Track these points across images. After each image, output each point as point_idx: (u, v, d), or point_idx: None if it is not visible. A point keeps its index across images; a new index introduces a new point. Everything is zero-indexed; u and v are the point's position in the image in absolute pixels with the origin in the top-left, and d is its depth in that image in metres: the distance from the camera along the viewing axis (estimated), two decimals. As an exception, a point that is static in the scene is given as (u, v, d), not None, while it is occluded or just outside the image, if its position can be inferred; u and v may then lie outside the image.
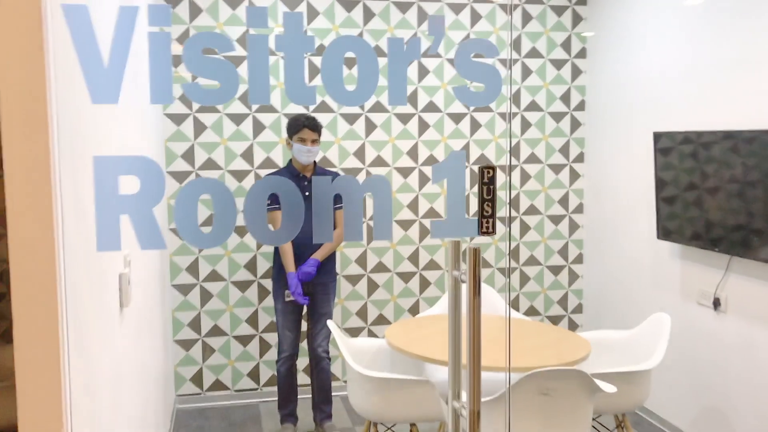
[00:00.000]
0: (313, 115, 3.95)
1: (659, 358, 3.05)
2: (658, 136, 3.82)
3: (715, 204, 3.39)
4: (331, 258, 3.87)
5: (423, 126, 4.52)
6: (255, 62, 1.44)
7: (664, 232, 3.82)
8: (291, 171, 3.77)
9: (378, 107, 4.45)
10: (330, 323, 3.21)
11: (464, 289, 1.57)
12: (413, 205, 4.55)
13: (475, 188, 1.58)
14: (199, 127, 4.25)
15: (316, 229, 1.62)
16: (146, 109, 3.53)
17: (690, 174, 3.58)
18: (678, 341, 3.78)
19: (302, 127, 3.67)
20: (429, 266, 4.61)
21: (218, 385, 4.40)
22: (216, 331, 4.36)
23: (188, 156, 4.26)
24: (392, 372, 3.27)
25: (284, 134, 4.34)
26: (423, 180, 4.57)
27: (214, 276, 4.32)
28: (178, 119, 4.23)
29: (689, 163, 3.58)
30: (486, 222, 1.55)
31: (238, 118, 4.29)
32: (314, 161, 3.80)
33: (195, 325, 4.34)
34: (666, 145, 3.76)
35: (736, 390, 3.42)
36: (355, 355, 3.17)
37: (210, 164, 4.28)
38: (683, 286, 3.82)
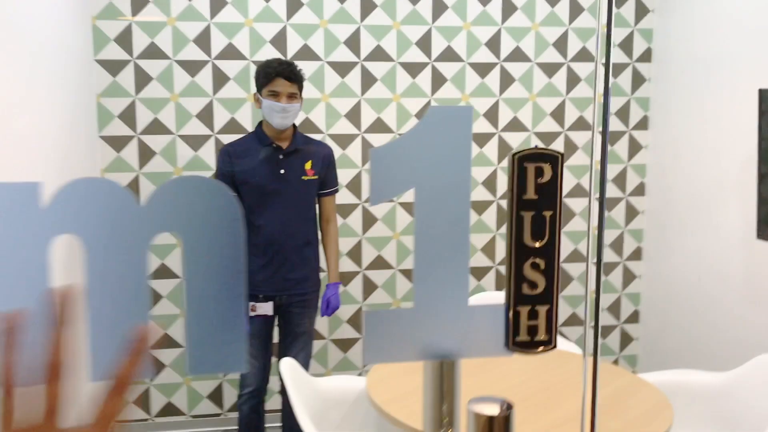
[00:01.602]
0: (290, 60, 2.88)
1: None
2: (765, 95, 2.71)
3: None
4: (312, 258, 2.86)
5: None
6: None
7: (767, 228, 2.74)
8: (260, 138, 2.74)
9: (379, 54, 3.39)
10: (285, 364, 2.18)
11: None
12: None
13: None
14: (143, 78, 3.24)
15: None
16: (59, 49, 2.50)
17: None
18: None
19: (274, 75, 2.64)
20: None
21: (170, 410, 3.47)
22: (168, 341, 3.41)
23: (128, 116, 3.25)
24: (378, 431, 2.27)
25: (254, 88, 3.31)
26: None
27: (164, 272, 3.35)
28: (113, 67, 3.21)
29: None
30: (530, 316, 0.56)
31: (192, 67, 3.27)
32: (293, 125, 2.77)
33: (140, 333, 3.38)
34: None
35: None
36: (322, 407, 2.18)
37: (156, 127, 3.27)
38: (791, 305, 2.75)
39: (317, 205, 2.87)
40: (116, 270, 0.53)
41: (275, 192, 2.70)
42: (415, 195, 0.55)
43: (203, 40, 3.25)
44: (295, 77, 2.66)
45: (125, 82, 3.22)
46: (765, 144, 2.72)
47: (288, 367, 2.13)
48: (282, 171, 2.71)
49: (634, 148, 3.69)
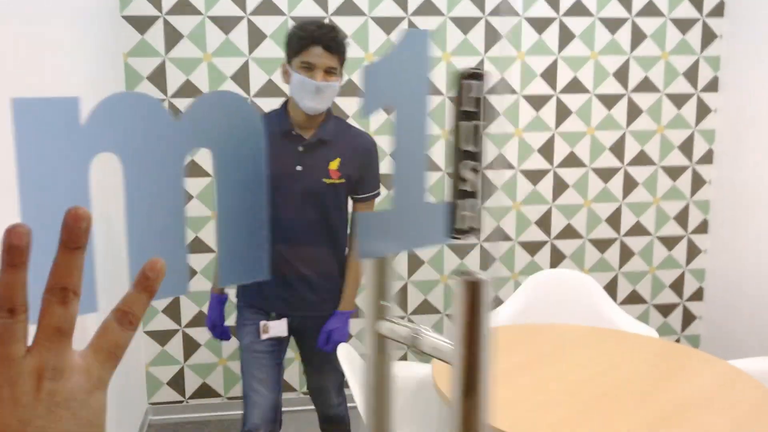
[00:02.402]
0: (331, 24, 2.14)
1: None
2: None
3: None
4: (336, 275, 2.26)
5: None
6: None
7: None
8: (281, 122, 2.14)
9: (428, 8, 3.10)
10: (343, 350, 1.94)
11: None
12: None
13: None
14: (173, 36, 2.99)
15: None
16: (83, 4, 2.25)
17: None
18: None
19: (310, 42, 2.02)
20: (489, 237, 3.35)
21: (205, 391, 3.29)
22: (201, 319, 3.21)
23: (158, 77, 3.01)
24: (441, 426, 2.05)
25: (292, 47, 3.05)
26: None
27: (198, 245, 3.14)
28: (141, 24, 2.97)
29: None
30: (462, 206, 0.60)
31: (227, 23, 3.01)
32: (327, 109, 2.15)
33: (173, 311, 3.19)
34: None
35: None
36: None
37: (188, 89, 3.03)
38: None
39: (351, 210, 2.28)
40: (153, 188, 0.51)
41: (287, 194, 2.10)
42: (395, 115, 0.58)
43: (237, -6, 2.99)
44: (336, 47, 2.04)
45: (154, 41, 2.98)
46: None
47: (345, 354, 1.91)
48: (299, 168, 2.11)
49: (703, 111, 3.39)
